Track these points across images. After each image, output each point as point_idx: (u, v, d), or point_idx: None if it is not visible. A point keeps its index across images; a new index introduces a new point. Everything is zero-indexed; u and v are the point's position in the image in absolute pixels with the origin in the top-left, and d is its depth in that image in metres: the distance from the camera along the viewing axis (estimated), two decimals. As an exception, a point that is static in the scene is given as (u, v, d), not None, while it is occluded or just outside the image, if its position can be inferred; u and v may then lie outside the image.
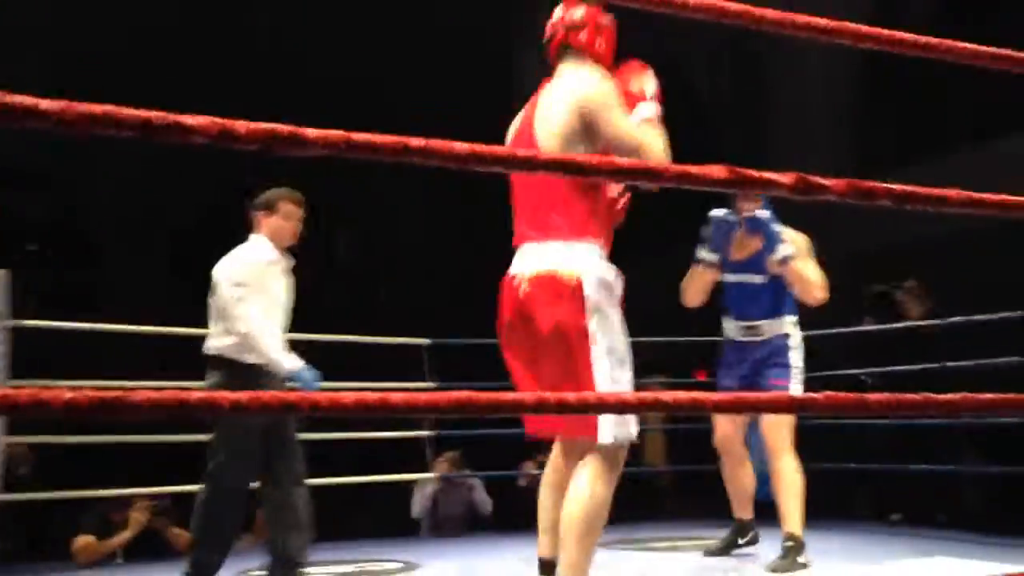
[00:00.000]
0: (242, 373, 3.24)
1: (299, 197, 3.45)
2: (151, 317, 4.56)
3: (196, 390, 2.78)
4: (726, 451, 3.93)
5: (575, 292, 2.38)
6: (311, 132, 1.22)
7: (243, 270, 3.31)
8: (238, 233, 3.44)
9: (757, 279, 3.83)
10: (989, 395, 1.74)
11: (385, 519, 6.01)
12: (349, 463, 5.80)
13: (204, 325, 3.39)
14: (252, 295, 3.27)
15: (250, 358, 3.26)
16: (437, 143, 1.27)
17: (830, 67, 8.89)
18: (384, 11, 10.12)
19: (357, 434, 5.13)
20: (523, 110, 2.65)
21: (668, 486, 10.01)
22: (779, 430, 3.74)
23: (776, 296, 3.83)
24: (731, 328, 3.92)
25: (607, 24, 2.64)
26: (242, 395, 1.18)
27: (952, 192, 1.64)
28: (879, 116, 8.71)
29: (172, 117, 1.11)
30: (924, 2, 8.22)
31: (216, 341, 3.32)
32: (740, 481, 3.98)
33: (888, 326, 5.36)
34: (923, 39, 1.67)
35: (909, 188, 1.60)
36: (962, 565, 3.68)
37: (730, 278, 3.88)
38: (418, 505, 5.93)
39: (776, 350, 3.81)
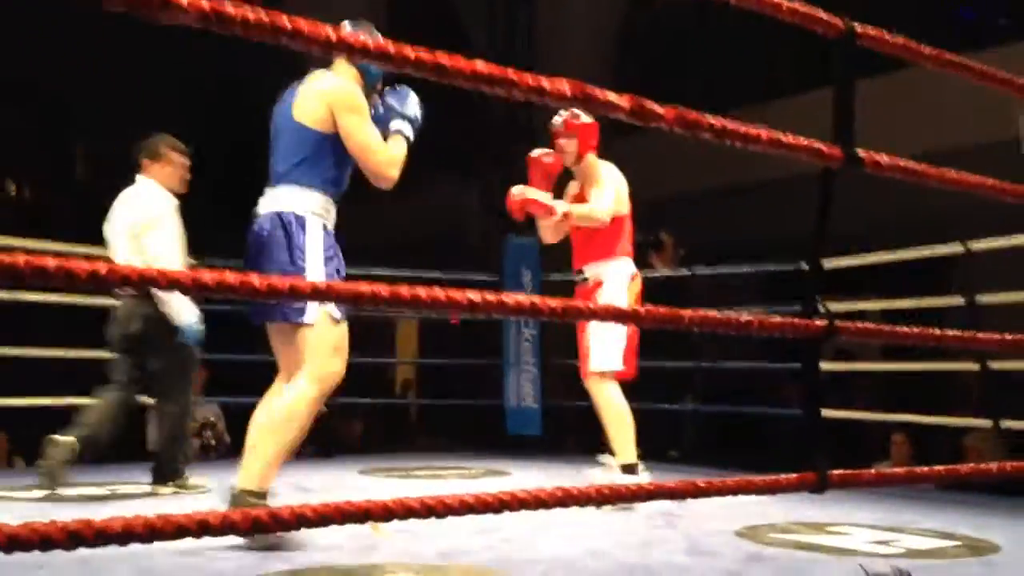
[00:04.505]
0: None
1: (184, 147, 3.90)
2: None
3: None
4: None
5: None
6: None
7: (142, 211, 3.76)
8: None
9: None
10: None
11: (130, 443, 5.74)
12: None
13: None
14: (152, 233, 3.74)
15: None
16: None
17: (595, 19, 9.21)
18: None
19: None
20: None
21: (416, 420, 10.18)
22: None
23: None
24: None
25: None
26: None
27: (763, 132, 1.75)
28: (640, 70, 9.10)
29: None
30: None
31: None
32: None
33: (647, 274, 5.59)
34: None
35: (728, 123, 1.70)
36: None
37: None
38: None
39: None
